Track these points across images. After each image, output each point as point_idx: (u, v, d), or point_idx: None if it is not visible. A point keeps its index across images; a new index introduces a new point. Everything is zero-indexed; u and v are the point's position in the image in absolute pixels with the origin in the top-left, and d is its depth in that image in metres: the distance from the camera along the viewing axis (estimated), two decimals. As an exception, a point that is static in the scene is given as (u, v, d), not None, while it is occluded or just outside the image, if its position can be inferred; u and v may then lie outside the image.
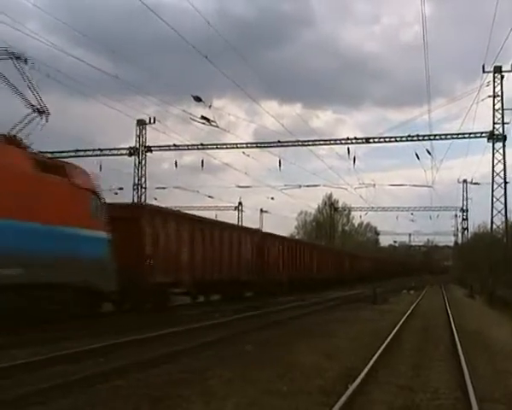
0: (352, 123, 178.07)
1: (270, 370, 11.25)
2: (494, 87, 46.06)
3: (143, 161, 55.88)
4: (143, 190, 56.31)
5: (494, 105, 46.28)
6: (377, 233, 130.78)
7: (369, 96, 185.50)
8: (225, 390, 9.43)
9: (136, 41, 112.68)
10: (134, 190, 55.80)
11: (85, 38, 56.34)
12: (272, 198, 73.39)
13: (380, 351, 13.59)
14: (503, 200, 46.69)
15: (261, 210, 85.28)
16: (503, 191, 46.60)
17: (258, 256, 35.26)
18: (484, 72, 45.77)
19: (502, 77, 45.86)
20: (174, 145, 52.68)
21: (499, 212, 47.13)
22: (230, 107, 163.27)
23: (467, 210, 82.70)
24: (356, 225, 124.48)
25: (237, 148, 51.92)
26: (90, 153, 54.08)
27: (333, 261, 59.72)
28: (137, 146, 55.15)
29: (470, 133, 48.44)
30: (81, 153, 53.77)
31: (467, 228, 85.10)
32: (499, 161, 46.58)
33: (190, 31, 29.98)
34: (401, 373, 11.66)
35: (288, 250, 43.40)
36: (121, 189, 55.36)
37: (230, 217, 78.20)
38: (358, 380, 10.01)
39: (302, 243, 59.18)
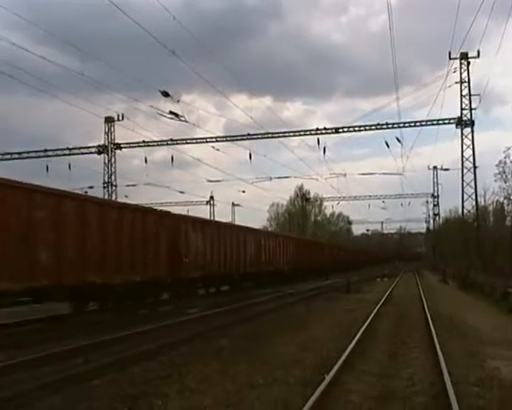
0: (322, 114, 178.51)
1: (248, 363, 11.27)
2: (461, 73, 46.60)
3: (113, 159, 55.58)
4: (114, 187, 55.97)
5: (461, 91, 46.80)
6: (349, 222, 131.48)
7: (339, 87, 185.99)
8: (203, 386, 9.43)
9: (102, 38, 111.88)
10: (104, 188, 55.45)
11: (50, 36, 55.79)
12: (243, 191, 73.47)
13: (355, 340, 13.66)
14: (473, 184, 47.26)
15: (233, 203, 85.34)
16: (472, 176, 47.15)
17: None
18: (450, 58, 46.31)
19: (468, 63, 46.38)
20: (143, 142, 52.51)
21: (470, 196, 47.73)
22: (200, 101, 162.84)
23: (438, 196, 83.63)
24: (328, 215, 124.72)
25: (207, 142, 51.92)
26: (59, 152, 53.77)
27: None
28: (106, 144, 54.81)
29: (439, 120, 48.99)
30: (50, 153, 53.42)
31: (438, 214, 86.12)
32: (468, 147, 47.13)
33: (157, 26, 29.83)
34: (377, 361, 11.75)
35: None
36: (91, 187, 54.94)
37: (202, 212, 78.12)
38: (335, 370, 10.06)
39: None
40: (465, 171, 47.36)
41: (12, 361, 10.90)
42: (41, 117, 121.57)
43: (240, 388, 9.30)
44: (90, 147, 56.23)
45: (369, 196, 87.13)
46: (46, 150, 53.32)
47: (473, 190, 47.39)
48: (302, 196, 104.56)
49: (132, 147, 55.21)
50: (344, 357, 11.33)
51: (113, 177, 55.71)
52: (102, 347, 13.13)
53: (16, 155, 53.68)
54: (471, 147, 46.98)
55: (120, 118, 52.16)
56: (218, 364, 11.13)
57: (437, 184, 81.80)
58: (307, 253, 56.96)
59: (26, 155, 53.79)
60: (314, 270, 58.49)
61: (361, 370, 10.79)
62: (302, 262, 53.05)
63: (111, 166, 55.52)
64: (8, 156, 53.59)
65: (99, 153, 55.08)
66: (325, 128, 51.09)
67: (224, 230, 32.87)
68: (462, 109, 46.95)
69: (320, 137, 50.13)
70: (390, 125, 49.07)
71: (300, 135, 52.60)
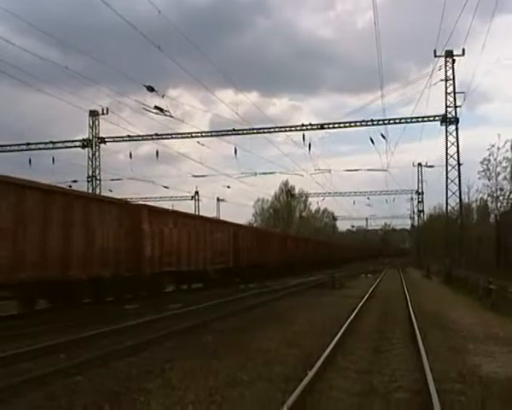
0: (309, 110, 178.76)
1: (231, 359, 11.27)
2: (446, 71, 46.72)
3: (97, 153, 55.36)
4: (98, 182, 55.75)
5: (446, 89, 46.94)
6: (334, 219, 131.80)
7: (326, 83, 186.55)
8: (186, 382, 9.40)
9: (86, 31, 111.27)
10: (88, 182, 55.23)
11: (34, 28, 55.60)
12: (228, 187, 73.67)
13: (338, 336, 13.67)
14: (457, 181, 47.43)
15: (218, 199, 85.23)
16: (456, 173, 47.32)
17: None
18: (436, 56, 46.40)
19: (453, 61, 46.56)
20: (128, 136, 52.31)
21: (454, 193, 47.91)
22: (186, 96, 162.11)
23: (422, 193, 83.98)
24: (313, 211, 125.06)
25: (192, 137, 51.86)
26: (42, 146, 53.47)
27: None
28: (90, 138, 54.58)
29: (424, 117, 49.18)
30: (33, 146, 53.12)
31: (422, 210, 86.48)
32: (452, 144, 47.31)
33: (143, 20, 29.76)
34: (360, 357, 11.76)
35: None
36: (75, 181, 54.72)
37: (187, 207, 77.94)
38: (318, 366, 10.06)
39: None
40: (449, 168, 47.66)
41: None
42: (24, 109, 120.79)
43: (223, 384, 9.29)
44: (74, 141, 56.05)
45: (354, 192, 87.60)
46: (29, 144, 53.07)
47: (457, 187, 47.63)
48: (287, 192, 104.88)
49: (117, 141, 55.08)
50: (327, 353, 11.34)
51: (97, 171, 55.55)
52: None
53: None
54: (455, 144, 47.26)
55: (105, 112, 51.96)
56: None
57: (421, 180, 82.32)
58: (258, 247, 44.11)
59: (8, 148, 53.45)
60: (268, 270, 46.24)
61: (344, 366, 10.80)
62: (245, 260, 39.86)
63: (95, 160, 55.34)
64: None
65: (83, 147, 54.88)
66: (310, 124, 51.19)
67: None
68: (446, 107, 47.18)
69: (306, 133, 50.36)
70: (375, 122, 49.21)
71: (286, 131, 52.81)
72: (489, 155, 41.67)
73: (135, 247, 23.79)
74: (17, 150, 53.34)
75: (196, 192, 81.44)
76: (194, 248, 30.23)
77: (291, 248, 58.33)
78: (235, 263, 37.10)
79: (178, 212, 32.57)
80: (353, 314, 18.60)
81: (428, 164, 71.87)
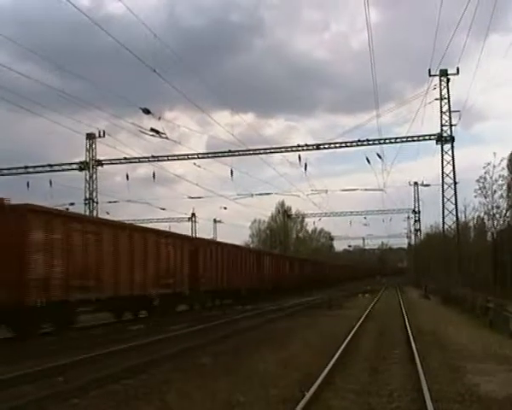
0: (305, 130, 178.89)
1: (229, 380, 11.20)
2: (441, 90, 46.89)
3: (94, 176, 55.38)
4: (95, 204, 55.74)
5: (441, 107, 47.08)
6: (331, 238, 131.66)
7: (321, 103, 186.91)
8: (183, 404, 9.35)
9: (83, 55, 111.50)
10: (85, 204, 55.20)
11: (31, 53, 55.59)
12: (225, 208, 73.81)
13: (336, 356, 13.64)
14: (453, 200, 47.45)
15: (214, 220, 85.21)
16: (453, 192, 47.35)
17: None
18: (430, 75, 46.58)
19: (448, 80, 46.72)
20: (125, 158, 52.30)
21: (450, 212, 47.87)
22: (182, 118, 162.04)
23: (419, 212, 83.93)
24: (310, 231, 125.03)
25: (188, 159, 51.87)
26: (39, 169, 53.46)
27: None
28: (88, 160, 54.61)
29: (419, 136, 49.21)
30: (31, 169, 53.12)
31: (419, 229, 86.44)
32: (448, 163, 47.34)
33: (139, 43, 29.86)
34: (358, 378, 11.72)
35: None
36: (72, 204, 54.70)
37: (184, 228, 77.82)
38: (315, 386, 10.03)
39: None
40: (445, 187, 47.64)
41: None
42: (23, 134, 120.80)
43: (220, 406, 9.25)
44: (71, 163, 55.98)
45: (351, 211, 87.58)
46: (27, 167, 53.08)
47: (453, 206, 47.64)
48: (284, 213, 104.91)
49: (114, 164, 55.02)
50: (325, 373, 11.30)
51: (94, 193, 55.53)
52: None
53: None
54: (451, 163, 47.28)
55: (102, 135, 51.99)
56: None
57: (418, 199, 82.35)
58: (234, 269, 37.98)
59: (6, 171, 53.46)
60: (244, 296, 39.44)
61: (341, 386, 10.76)
62: (211, 283, 33.29)
63: (92, 182, 55.35)
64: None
65: (80, 169, 54.85)
66: (306, 145, 51.25)
67: None
68: (442, 125, 47.26)
69: (302, 153, 50.33)
70: (371, 142, 49.26)
71: (282, 151, 52.78)
72: (485, 173, 41.67)
73: (11, 264, 17.20)
74: (15, 174, 53.35)
75: (193, 214, 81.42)
76: (126, 269, 23.26)
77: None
78: (193, 286, 30.43)
79: (97, 219, 25.65)
80: (351, 335, 18.56)
81: (425, 183, 71.82)
